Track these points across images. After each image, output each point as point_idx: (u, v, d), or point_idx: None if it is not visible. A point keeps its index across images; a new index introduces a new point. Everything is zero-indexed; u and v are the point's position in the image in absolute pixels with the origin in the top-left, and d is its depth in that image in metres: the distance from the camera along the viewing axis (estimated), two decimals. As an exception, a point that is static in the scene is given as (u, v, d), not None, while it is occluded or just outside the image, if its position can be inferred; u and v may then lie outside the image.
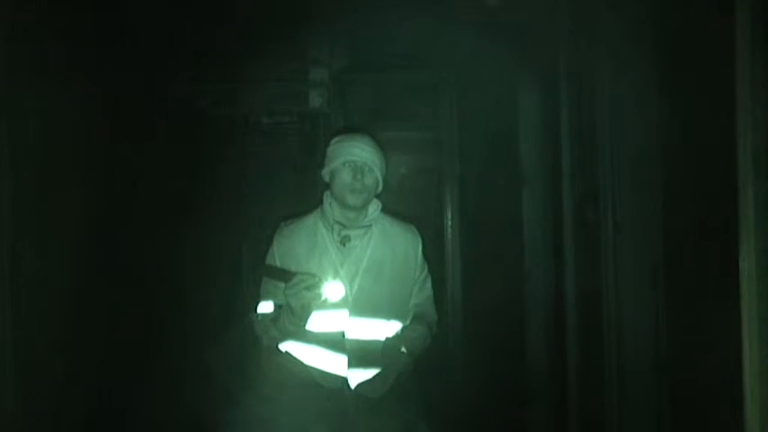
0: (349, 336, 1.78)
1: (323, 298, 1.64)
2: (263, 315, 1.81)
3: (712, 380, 1.63)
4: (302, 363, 1.81)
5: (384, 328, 1.82)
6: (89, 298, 2.26)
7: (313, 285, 1.63)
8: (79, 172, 2.22)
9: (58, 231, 2.05)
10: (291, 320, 1.69)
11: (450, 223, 3.64)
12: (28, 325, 1.82)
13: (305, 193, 3.30)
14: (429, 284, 1.98)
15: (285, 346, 1.85)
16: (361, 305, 1.79)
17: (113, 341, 2.46)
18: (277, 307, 1.78)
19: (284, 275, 1.70)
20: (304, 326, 1.72)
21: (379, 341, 1.80)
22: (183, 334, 3.14)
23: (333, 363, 1.79)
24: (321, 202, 1.92)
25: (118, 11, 2.48)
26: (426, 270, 1.96)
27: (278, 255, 1.84)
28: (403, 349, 1.81)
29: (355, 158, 1.81)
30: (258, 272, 1.90)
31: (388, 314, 1.83)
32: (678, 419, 1.92)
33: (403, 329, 1.84)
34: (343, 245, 1.82)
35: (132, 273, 2.66)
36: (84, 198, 2.26)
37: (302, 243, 1.83)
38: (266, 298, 1.83)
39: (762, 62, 1.18)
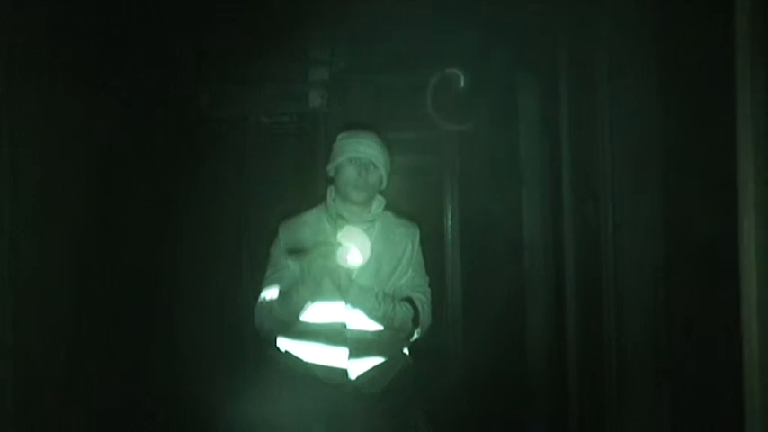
0: (350, 326, 1.79)
1: (341, 263, 1.68)
2: (267, 301, 1.81)
3: (712, 380, 1.63)
4: (302, 360, 1.82)
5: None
6: (89, 297, 2.26)
7: (329, 252, 1.67)
8: (79, 172, 2.22)
9: (57, 231, 2.05)
10: (303, 292, 1.71)
11: (450, 223, 3.65)
12: (28, 324, 1.82)
13: (305, 193, 3.30)
14: (423, 282, 1.94)
15: (285, 346, 1.85)
16: None
17: (114, 340, 2.46)
18: (281, 293, 1.79)
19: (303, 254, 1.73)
20: (313, 297, 1.74)
21: (378, 331, 1.81)
22: (184, 333, 3.15)
23: (334, 355, 1.80)
24: (324, 197, 1.93)
25: (118, 10, 2.48)
26: (422, 267, 1.94)
27: (285, 249, 1.86)
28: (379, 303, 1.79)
29: (360, 155, 1.84)
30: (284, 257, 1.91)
31: None
32: (678, 420, 1.92)
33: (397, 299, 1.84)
34: None
35: (132, 272, 2.66)
36: (84, 198, 2.26)
37: (307, 238, 1.84)
38: (271, 285, 1.84)
39: (761, 61, 1.18)
